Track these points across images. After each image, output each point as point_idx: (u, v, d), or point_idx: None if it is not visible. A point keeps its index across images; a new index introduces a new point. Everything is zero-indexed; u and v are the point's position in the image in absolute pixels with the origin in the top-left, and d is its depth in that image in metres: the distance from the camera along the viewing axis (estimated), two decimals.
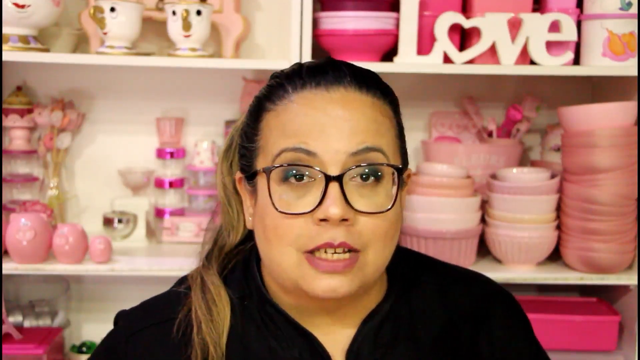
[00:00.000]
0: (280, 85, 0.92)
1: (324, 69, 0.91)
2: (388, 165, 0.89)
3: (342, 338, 0.95)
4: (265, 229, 0.90)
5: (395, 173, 0.89)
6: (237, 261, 1.00)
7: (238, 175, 0.98)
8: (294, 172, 0.87)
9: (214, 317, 0.93)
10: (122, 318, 1.02)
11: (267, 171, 0.88)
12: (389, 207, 0.88)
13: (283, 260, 0.89)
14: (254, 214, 0.94)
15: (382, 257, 0.90)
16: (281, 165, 0.87)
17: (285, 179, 0.88)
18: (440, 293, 1.00)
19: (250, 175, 0.94)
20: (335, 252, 0.87)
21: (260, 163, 0.92)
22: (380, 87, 0.93)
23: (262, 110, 0.93)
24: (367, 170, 0.87)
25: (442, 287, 1.01)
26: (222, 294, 0.95)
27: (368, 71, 0.94)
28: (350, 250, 0.87)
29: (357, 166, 0.87)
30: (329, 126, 0.87)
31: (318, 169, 0.86)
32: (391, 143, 0.91)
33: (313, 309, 0.94)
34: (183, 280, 1.01)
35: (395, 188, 0.89)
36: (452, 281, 1.03)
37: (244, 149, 0.96)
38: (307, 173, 0.87)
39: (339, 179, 0.85)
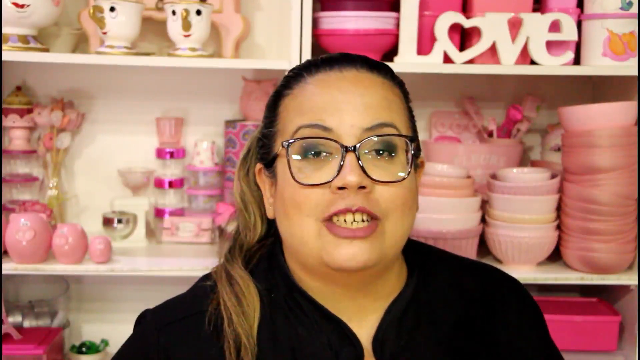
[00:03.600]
0: (297, 74, 0.98)
1: (338, 56, 0.98)
2: (400, 135, 0.93)
3: (367, 325, 0.98)
4: (284, 204, 0.93)
5: (409, 144, 0.93)
6: (262, 255, 1.03)
7: (258, 166, 1.02)
8: (312, 150, 0.91)
9: (244, 309, 0.96)
10: (148, 314, 1.03)
11: (286, 145, 0.92)
12: (405, 175, 0.92)
13: (303, 232, 0.92)
14: (274, 201, 0.98)
15: (401, 228, 0.93)
16: (300, 138, 0.91)
17: (303, 155, 0.92)
18: (454, 281, 1.04)
19: (270, 162, 0.98)
20: (354, 221, 0.90)
21: (279, 145, 0.96)
22: (390, 72, 0.99)
23: (279, 97, 0.98)
24: (381, 144, 0.91)
25: (455, 276, 1.05)
26: (250, 286, 0.98)
27: (381, 62, 1.00)
28: (370, 217, 0.90)
29: (371, 136, 0.91)
30: (343, 102, 0.92)
31: (334, 140, 0.90)
32: (403, 120, 0.96)
33: (338, 292, 0.96)
34: (207, 277, 1.03)
35: (408, 157, 0.93)
36: (464, 270, 1.06)
37: (262, 139, 1.00)
38: (324, 149, 0.91)
39: (355, 149, 0.90)
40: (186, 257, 1.77)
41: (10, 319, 1.86)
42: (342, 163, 0.90)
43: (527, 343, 1.03)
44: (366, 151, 0.91)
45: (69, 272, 1.74)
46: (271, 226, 1.03)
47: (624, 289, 1.81)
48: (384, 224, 0.91)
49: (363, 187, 0.89)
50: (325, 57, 0.98)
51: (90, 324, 2.03)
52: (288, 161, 0.92)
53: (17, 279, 1.97)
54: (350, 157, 0.90)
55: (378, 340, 0.96)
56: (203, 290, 1.00)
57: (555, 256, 1.80)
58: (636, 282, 1.74)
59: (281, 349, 0.95)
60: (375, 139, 0.91)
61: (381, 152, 0.92)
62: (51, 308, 1.94)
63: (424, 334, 0.98)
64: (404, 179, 0.92)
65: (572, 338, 1.77)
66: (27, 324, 1.89)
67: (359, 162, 0.90)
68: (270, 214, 1.00)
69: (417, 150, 0.98)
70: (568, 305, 1.85)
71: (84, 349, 1.96)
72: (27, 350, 1.72)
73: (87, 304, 2.04)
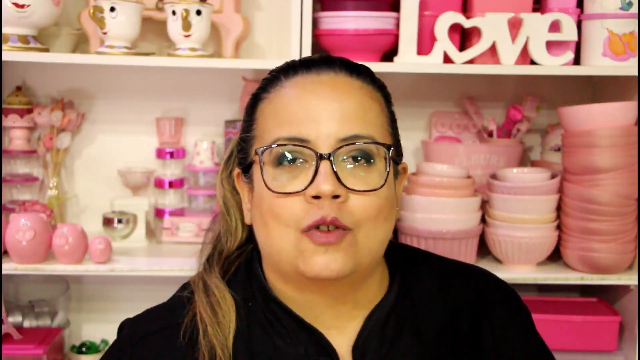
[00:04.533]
0: (274, 76, 0.96)
1: (317, 59, 0.96)
2: (377, 143, 0.90)
3: (347, 332, 0.95)
4: (262, 213, 0.91)
5: (386, 152, 0.91)
6: (240, 264, 1.01)
7: (236, 171, 1.00)
8: (287, 157, 0.90)
9: (220, 320, 0.94)
10: (126, 326, 1.01)
11: (260, 152, 0.90)
12: (381, 185, 0.89)
13: (282, 242, 0.90)
14: (251, 207, 0.96)
15: (375, 238, 0.91)
16: (274, 145, 0.89)
17: (278, 163, 0.90)
18: (439, 286, 1.01)
19: (247, 167, 0.96)
20: (328, 229, 0.88)
21: (255, 151, 0.94)
22: (370, 75, 0.97)
23: (257, 101, 0.96)
24: (357, 151, 0.89)
25: (440, 280, 1.02)
26: (226, 296, 0.96)
27: (361, 64, 0.97)
28: (342, 229, 0.88)
29: (347, 144, 0.88)
30: (320, 110, 0.90)
31: (309, 147, 0.88)
32: (381, 127, 0.93)
33: (316, 301, 0.94)
34: (185, 286, 1.01)
35: (387, 166, 0.91)
36: (449, 274, 1.03)
37: (241, 143, 0.98)
38: (299, 156, 0.89)
39: (330, 156, 0.88)
40: (186, 257, 1.76)
41: (10, 319, 1.86)
42: (316, 170, 0.87)
43: (516, 349, 1.00)
44: (344, 158, 0.89)
45: (69, 272, 1.74)
46: (252, 232, 1.00)
47: (624, 289, 1.81)
48: (357, 234, 0.89)
49: (337, 197, 0.87)
50: (304, 59, 0.96)
51: (90, 324, 2.04)
52: (261, 168, 0.90)
53: (17, 279, 1.97)
54: (325, 165, 0.87)
55: (358, 348, 0.94)
56: (180, 301, 0.98)
57: (555, 256, 1.80)
58: (636, 282, 1.74)
59: None
60: (352, 145, 0.89)
61: (358, 159, 0.90)
62: (51, 308, 1.94)
63: (406, 342, 0.95)
64: (379, 188, 0.89)
65: (572, 338, 1.77)
66: (27, 324, 1.89)
67: (334, 169, 0.87)
68: (247, 220, 0.98)
69: (398, 156, 0.96)
70: (568, 305, 1.85)
71: (84, 349, 1.96)
72: (27, 350, 1.72)
73: (87, 304, 2.04)
